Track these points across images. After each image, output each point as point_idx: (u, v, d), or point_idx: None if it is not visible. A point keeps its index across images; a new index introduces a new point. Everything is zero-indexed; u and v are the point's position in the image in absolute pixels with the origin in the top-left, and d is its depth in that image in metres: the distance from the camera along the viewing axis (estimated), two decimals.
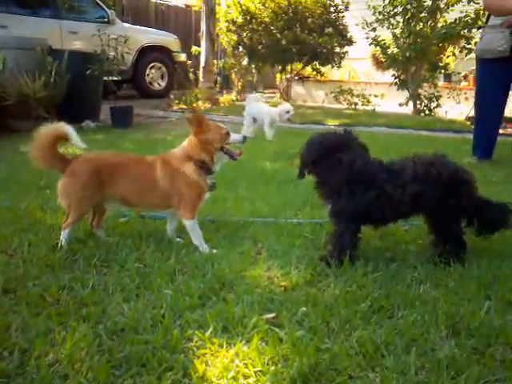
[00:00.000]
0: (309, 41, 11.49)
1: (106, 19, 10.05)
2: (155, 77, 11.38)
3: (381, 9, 10.33)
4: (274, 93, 13.67)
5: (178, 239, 2.61)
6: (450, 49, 10.74)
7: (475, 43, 9.15)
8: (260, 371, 1.49)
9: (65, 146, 3.27)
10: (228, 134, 2.52)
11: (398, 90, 10.53)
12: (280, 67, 12.54)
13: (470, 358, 1.57)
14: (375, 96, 11.25)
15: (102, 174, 2.44)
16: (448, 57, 10.94)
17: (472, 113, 7.68)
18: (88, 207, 2.53)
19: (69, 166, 2.45)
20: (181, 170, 2.45)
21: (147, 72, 11.18)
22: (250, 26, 11.94)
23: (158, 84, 11.53)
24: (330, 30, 12.02)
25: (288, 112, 6.25)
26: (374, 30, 10.54)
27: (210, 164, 2.50)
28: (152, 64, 11.23)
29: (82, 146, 2.49)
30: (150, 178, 2.46)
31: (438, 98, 10.31)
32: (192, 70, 12.72)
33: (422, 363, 1.55)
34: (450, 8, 9.88)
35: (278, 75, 13.01)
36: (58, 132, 2.45)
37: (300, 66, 12.72)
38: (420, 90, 10.41)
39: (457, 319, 1.79)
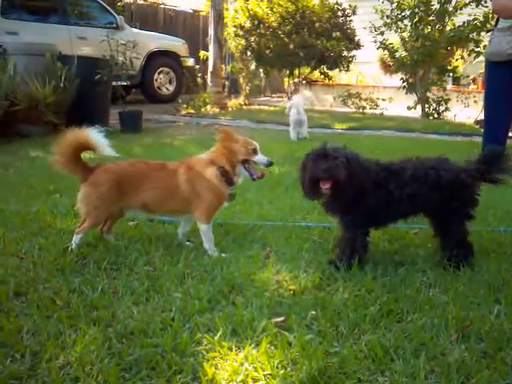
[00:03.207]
0: (316, 45, 11.49)
1: (114, 25, 10.13)
2: (163, 81, 11.44)
3: (388, 12, 10.32)
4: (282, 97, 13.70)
5: (188, 243, 2.62)
6: (459, 52, 10.72)
7: (484, 46, 9.12)
8: (269, 375, 1.50)
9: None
10: (255, 151, 2.48)
11: (406, 93, 10.51)
12: (288, 71, 12.55)
13: (480, 362, 1.57)
14: (383, 100, 11.23)
15: (122, 184, 2.46)
16: (456, 60, 10.92)
17: (481, 116, 7.65)
18: (105, 216, 2.55)
19: (90, 175, 2.47)
20: (203, 174, 2.47)
21: (155, 77, 11.24)
22: (258, 30, 11.96)
23: (167, 89, 11.59)
24: (338, 34, 12.01)
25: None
26: (382, 33, 10.53)
27: (232, 174, 2.49)
28: (160, 69, 11.29)
29: (112, 154, 2.50)
30: (173, 184, 2.47)
31: (446, 101, 10.27)
32: (200, 74, 12.75)
33: (431, 367, 1.55)
34: (459, 11, 9.85)
35: (286, 79, 13.02)
36: (83, 140, 2.46)
37: (308, 70, 12.72)
38: (428, 94, 10.38)
39: (466, 323, 1.78)
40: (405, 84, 10.51)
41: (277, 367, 1.52)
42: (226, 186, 2.49)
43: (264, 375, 1.49)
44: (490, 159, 2.32)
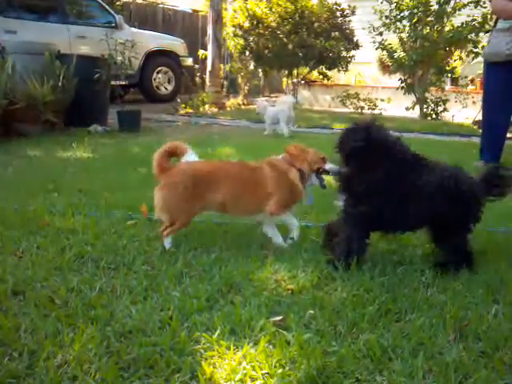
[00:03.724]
0: (315, 45, 11.51)
1: (113, 24, 10.13)
2: (162, 81, 11.44)
3: (387, 13, 10.34)
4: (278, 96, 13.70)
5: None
6: (457, 53, 10.74)
7: (482, 47, 9.14)
8: (267, 374, 1.50)
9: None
10: (324, 159, 2.64)
11: (404, 94, 10.53)
12: (286, 71, 12.57)
13: (478, 362, 1.57)
14: (382, 100, 11.24)
15: (199, 184, 2.47)
16: (455, 61, 10.94)
17: (479, 117, 7.66)
18: (192, 215, 2.55)
19: (166, 175, 2.48)
20: (287, 173, 2.57)
21: (154, 76, 11.24)
22: (257, 30, 11.98)
23: (165, 88, 11.58)
24: (337, 34, 12.04)
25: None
26: (381, 34, 10.54)
27: (306, 179, 2.62)
28: (159, 68, 11.29)
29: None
30: (257, 182, 2.54)
31: (444, 101, 10.29)
32: (199, 74, 12.76)
33: (429, 367, 1.55)
34: (457, 12, 9.87)
35: (285, 79, 13.05)
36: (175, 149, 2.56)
37: (306, 70, 12.74)
38: (427, 94, 10.40)
39: (464, 323, 1.79)
40: (403, 84, 10.52)
41: (275, 366, 1.52)
42: (303, 187, 2.61)
43: (262, 374, 1.49)
44: (490, 180, 2.29)
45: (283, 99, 7.26)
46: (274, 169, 2.57)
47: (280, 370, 1.51)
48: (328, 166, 2.62)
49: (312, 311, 1.86)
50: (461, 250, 2.29)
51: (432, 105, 10.40)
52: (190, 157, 2.57)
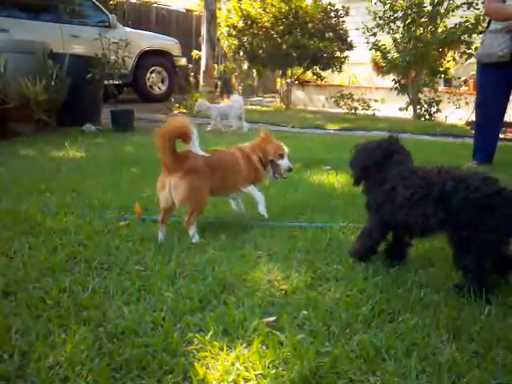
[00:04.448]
0: (309, 45, 11.52)
1: (107, 23, 10.10)
2: (156, 81, 11.42)
3: (381, 14, 10.37)
4: (274, 97, 13.71)
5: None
6: (450, 54, 10.79)
7: (475, 48, 9.19)
8: (260, 374, 1.49)
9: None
10: (282, 156, 3.00)
11: (398, 94, 10.56)
12: (280, 72, 12.57)
13: (470, 362, 1.57)
14: (375, 101, 11.27)
15: (212, 170, 2.71)
16: (448, 62, 10.98)
17: (472, 117, 7.70)
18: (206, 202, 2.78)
19: (184, 163, 2.55)
20: (250, 157, 2.96)
21: (148, 76, 11.22)
22: (251, 30, 11.97)
23: (159, 88, 11.57)
24: (331, 34, 12.06)
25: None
26: (375, 34, 10.58)
27: (264, 165, 3.01)
28: (153, 68, 11.28)
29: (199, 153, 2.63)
30: (234, 164, 2.90)
31: (438, 102, 10.34)
32: (192, 74, 12.75)
33: (422, 367, 1.55)
34: (451, 13, 9.91)
35: (279, 79, 13.04)
36: (182, 129, 2.56)
37: (300, 70, 12.75)
38: (420, 95, 10.44)
39: (458, 323, 1.79)
40: (397, 85, 10.56)
41: (268, 367, 1.52)
42: (263, 169, 3.01)
43: (255, 375, 1.49)
44: None
45: (233, 98, 7.93)
46: (242, 153, 2.96)
47: (273, 371, 1.50)
48: (281, 161, 2.98)
49: (305, 312, 1.85)
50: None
51: (425, 105, 10.44)
52: (196, 147, 2.60)
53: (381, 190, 2.25)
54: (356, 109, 11.40)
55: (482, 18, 9.13)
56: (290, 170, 3.02)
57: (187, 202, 2.58)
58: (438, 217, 2.04)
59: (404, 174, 2.20)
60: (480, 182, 1.98)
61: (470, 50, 9.80)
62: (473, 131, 5.43)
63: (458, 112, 10.31)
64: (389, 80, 10.94)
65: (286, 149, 3.02)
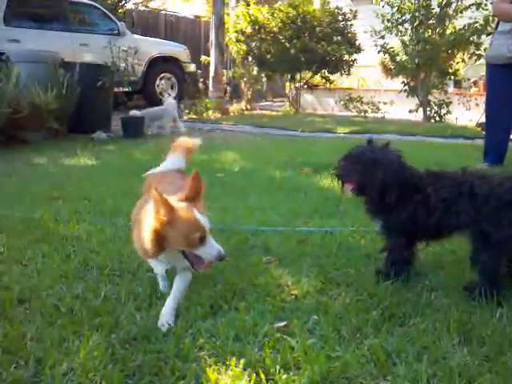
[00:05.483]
0: (317, 49, 11.52)
1: (116, 31, 10.20)
2: (165, 87, 11.49)
3: (389, 16, 10.34)
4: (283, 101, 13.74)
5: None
6: (460, 55, 10.71)
7: (485, 49, 9.12)
8: (272, 379, 1.50)
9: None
10: (202, 239, 1.78)
11: (407, 97, 10.50)
12: (289, 76, 12.58)
13: (482, 366, 1.57)
14: (384, 103, 11.23)
15: None
16: (457, 63, 10.90)
17: (482, 119, 7.64)
18: None
19: None
20: None
21: (157, 83, 11.29)
22: (259, 35, 12.00)
23: (168, 94, 11.63)
24: (339, 38, 12.05)
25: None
26: (383, 37, 10.53)
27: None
28: (162, 74, 11.35)
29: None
30: None
31: (448, 104, 10.27)
32: (201, 79, 12.80)
33: (433, 371, 1.55)
34: (459, 14, 9.86)
35: (288, 84, 13.04)
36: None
37: (309, 74, 12.75)
38: (430, 97, 10.38)
39: (469, 327, 1.79)
40: (406, 87, 10.51)
41: (279, 372, 1.53)
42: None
43: (266, 380, 1.50)
44: None
45: (167, 101, 8.29)
46: None
47: (284, 376, 1.51)
48: (205, 252, 1.81)
49: (316, 316, 1.86)
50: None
51: (435, 107, 10.37)
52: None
53: (410, 203, 2.14)
54: (365, 112, 11.36)
55: (490, 18, 9.07)
56: (221, 258, 1.82)
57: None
58: (469, 213, 2.05)
59: (430, 180, 2.18)
60: (504, 179, 2.05)
61: (479, 51, 9.72)
62: (483, 133, 5.39)
63: (469, 113, 10.23)
64: (398, 82, 10.89)
65: (204, 225, 1.79)
